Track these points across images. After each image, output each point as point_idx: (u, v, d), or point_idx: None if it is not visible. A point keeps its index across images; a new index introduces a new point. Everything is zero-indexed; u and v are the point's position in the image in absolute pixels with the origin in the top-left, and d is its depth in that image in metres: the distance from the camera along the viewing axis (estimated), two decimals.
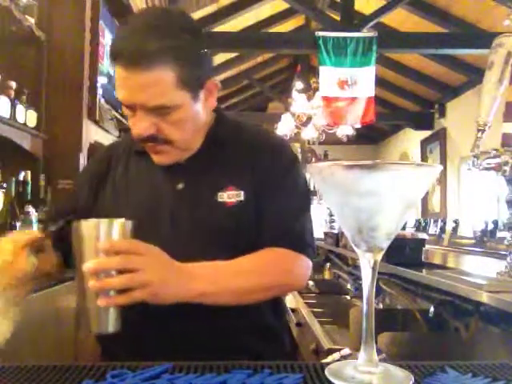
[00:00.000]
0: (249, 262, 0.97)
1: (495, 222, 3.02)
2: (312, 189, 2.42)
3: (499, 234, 2.86)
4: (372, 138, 9.86)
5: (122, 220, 0.79)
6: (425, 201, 7.31)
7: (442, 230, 3.89)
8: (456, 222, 3.84)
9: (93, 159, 1.22)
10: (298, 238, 1.04)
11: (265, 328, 1.07)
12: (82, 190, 1.12)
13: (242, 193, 1.02)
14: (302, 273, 1.04)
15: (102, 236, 0.76)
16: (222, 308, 0.92)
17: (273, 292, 1.01)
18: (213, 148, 1.07)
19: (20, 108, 2.30)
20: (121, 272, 0.77)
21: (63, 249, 1.04)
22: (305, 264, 1.04)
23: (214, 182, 1.04)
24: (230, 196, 1.02)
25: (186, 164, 1.06)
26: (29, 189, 2.26)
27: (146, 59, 0.89)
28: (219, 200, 1.02)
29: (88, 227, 0.76)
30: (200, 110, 1.00)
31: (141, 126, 0.95)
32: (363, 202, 0.59)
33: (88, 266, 0.74)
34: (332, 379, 0.60)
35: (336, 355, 1.50)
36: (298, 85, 6.20)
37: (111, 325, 0.78)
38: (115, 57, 0.92)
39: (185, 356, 0.72)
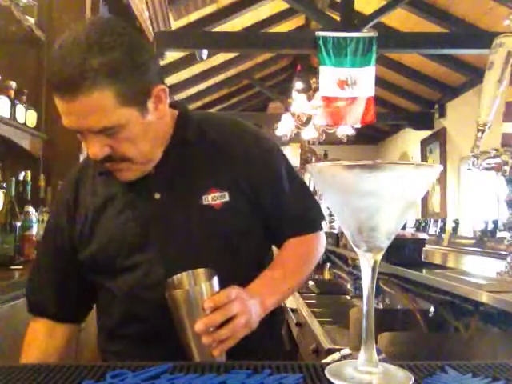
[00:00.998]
0: (289, 262, 1.08)
1: (495, 222, 3.02)
2: (312, 189, 2.42)
3: (499, 234, 2.86)
4: (372, 137, 9.86)
5: (209, 272, 0.92)
6: (425, 201, 7.31)
7: (442, 230, 3.89)
8: (456, 222, 3.84)
9: (61, 189, 1.18)
10: (309, 221, 1.13)
11: (264, 326, 1.07)
12: (62, 225, 1.09)
13: (226, 193, 1.01)
14: (323, 246, 1.16)
15: (205, 294, 0.87)
16: None
17: (314, 265, 1.15)
18: (181, 151, 1.03)
19: (20, 108, 2.30)
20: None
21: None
22: (322, 237, 1.16)
23: (195, 186, 1.01)
24: (215, 198, 1.00)
25: (157, 172, 1.02)
26: (29, 189, 2.26)
27: (78, 86, 0.84)
28: (205, 203, 1.00)
29: (186, 293, 0.87)
30: (152, 119, 0.94)
31: (94, 149, 0.92)
32: (363, 202, 0.59)
33: (199, 327, 0.83)
34: (332, 379, 0.60)
35: (336, 355, 1.50)
36: (298, 85, 6.19)
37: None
38: (51, 85, 0.88)
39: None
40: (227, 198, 1.00)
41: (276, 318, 1.13)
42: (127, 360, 0.85)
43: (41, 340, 1.08)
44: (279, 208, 1.07)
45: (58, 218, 1.10)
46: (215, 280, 0.89)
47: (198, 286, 0.88)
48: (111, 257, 1.02)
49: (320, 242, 1.15)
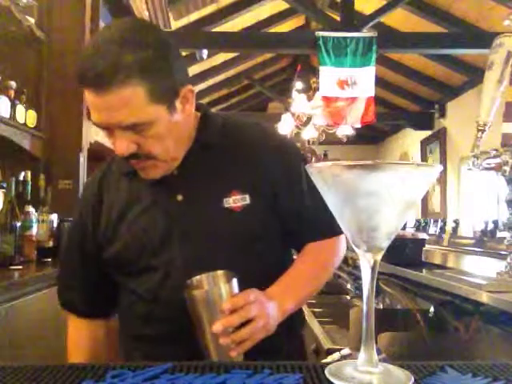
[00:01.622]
0: (309, 268, 1.08)
1: (495, 222, 3.02)
2: None
3: (499, 234, 2.86)
4: (372, 137, 9.86)
5: (228, 274, 0.93)
6: (425, 201, 7.31)
7: (442, 229, 3.90)
8: (456, 222, 3.85)
9: (85, 189, 1.19)
10: (329, 225, 1.07)
11: (282, 326, 1.06)
12: (84, 229, 1.11)
13: (247, 196, 1.01)
14: (343, 250, 1.17)
15: (224, 296, 0.88)
16: None
17: (333, 269, 1.17)
18: (202, 153, 1.04)
19: (20, 108, 2.30)
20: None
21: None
22: (341, 241, 1.15)
23: (217, 188, 1.02)
24: (236, 201, 1.01)
25: (179, 174, 1.03)
26: (29, 189, 2.26)
27: (112, 80, 0.86)
28: (226, 206, 1.01)
29: (205, 294, 0.88)
30: (178, 119, 0.96)
31: (121, 145, 0.93)
32: (363, 202, 0.59)
33: (217, 328, 0.84)
34: (332, 379, 0.60)
35: (336, 355, 1.50)
36: (298, 85, 6.19)
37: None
38: (81, 81, 0.90)
39: (188, 356, 0.73)
40: (248, 201, 1.01)
41: (295, 318, 1.11)
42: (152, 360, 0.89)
43: (85, 343, 1.13)
44: (299, 213, 1.08)
45: (83, 217, 1.11)
46: (234, 282, 0.90)
47: (217, 288, 0.89)
48: (133, 256, 1.03)
49: (340, 247, 1.15)
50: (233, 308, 0.86)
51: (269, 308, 0.92)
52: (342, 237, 1.14)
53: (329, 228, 1.08)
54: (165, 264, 1.01)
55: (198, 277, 0.94)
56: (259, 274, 1.00)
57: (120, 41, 0.87)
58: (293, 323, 1.09)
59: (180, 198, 1.02)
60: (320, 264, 1.12)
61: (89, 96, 0.90)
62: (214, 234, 1.01)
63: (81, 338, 1.14)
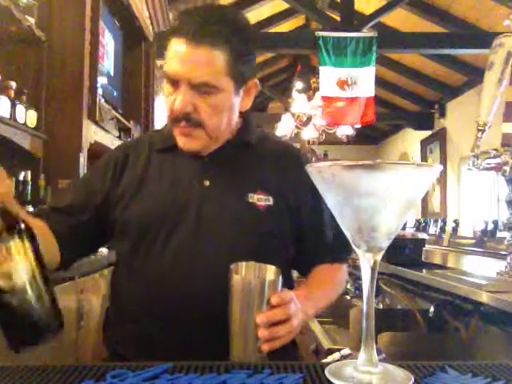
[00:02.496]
0: (328, 284, 1.13)
1: (495, 222, 3.02)
2: None
3: (499, 234, 2.87)
4: (372, 137, 9.86)
5: (275, 270, 0.91)
6: (425, 201, 7.31)
7: (442, 229, 3.90)
8: (456, 222, 3.85)
9: (112, 151, 1.20)
10: (340, 252, 1.16)
11: None
12: (103, 175, 1.10)
13: (271, 198, 1.05)
14: (346, 279, 1.22)
15: (266, 289, 0.85)
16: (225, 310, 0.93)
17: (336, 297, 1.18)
18: (238, 150, 1.09)
19: (20, 108, 2.29)
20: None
21: (72, 246, 1.06)
22: (346, 272, 1.21)
23: (243, 183, 1.06)
24: (260, 199, 1.05)
25: (210, 161, 1.07)
26: (29, 189, 2.26)
27: (208, 38, 0.94)
28: (250, 201, 1.04)
29: (248, 283, 0.85)
30: (236, 104, 1.04)
31: (182, 101, 0.97)
32: (363, 202, 0.59)
33: (262, 319, 0.83)
34: (332, 379, 0.60)
35: (336, 355, 1.49)
36: (298, 85, 6.19)
37: (254, 357, 0.86)
38: (178, 30, 0.96)
39: (186, 356, 0.72)
40: (271, 202, 1.05)
41: None
42: (132, 359, 0.89)
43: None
44: (316, 229, 1.12)
45: (101, 169, 1.12)
46: (279, 279, 0.89)
47: (262, 279, 0.87)
48: (146, 226, 1.03)
49: (345, 275, 1.20)
50: (281, 302, 0.85)
51: (301, 312, 0.93)
52: (345, 266, 1.20)
53: (340, 254, 1.16)
54: (174, 246, 1.00)
55: (244, 263, 0.91)
56: None
57: (224, 13, 1.01)
58: None
59: (207, 183, 1.05)
60: (335, 283, 1.16)
61: (179, 46, 0.96)
62: (233, 223, 1.03)
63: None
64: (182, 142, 1.04)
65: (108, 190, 1.09)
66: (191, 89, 0.96)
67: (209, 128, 1.01)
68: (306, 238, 1.12)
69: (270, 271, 0.91)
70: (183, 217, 1.02)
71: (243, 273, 0.90)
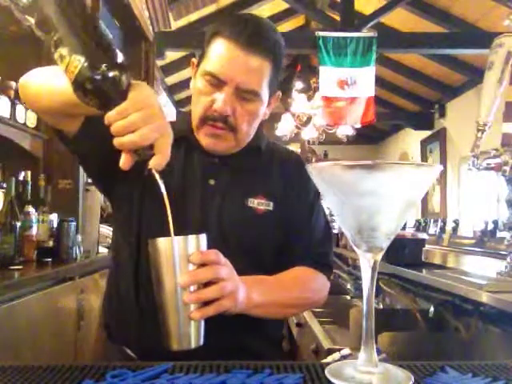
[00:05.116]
0: (290, 279, 1.05)
1: (495, 222, 3.02)
2: None
3: (499, 234, 2.86)
4: (372, 137, 9.85)
5: (201, 235, 0.79)
6: (425, 201, 7.30)
7: (442, 229, 3.89)
8: (456, 222, 3.84)
9: None
10: (325, 260, 1.14)
11: (265, 328, 1.07)
12: None
13: (272, 203, 1.06)
14: (326, 293, 1.13)
15: (190, 249, 0.76)
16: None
17: (305, 308, 1.16)
18: (247, 155, 1.10)
19: (20, 108, 2.29)
20: (205, 284, 0.77)
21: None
22: (328, 285, 1.14)
23: (246, 187, 1.07)
24: (260, 204, 1.06)
25: (220, 163, 1.08)
26: (29, 189, 2.26)
27: (261, 47, 0.98)
28: (249, 205, 1.05)
29: (174, 243, 0.75)
30: (263, 113, 1.07)
31: (225, 103, 0.98)
32: (363, 202, 0.59)
33: (184, 279, 0.74)
34: (332, 379, 0.60)
35: (336, 355, 1.49)
36: (298, 85, 6.19)
37: (193, 341, 0.77)
38: (231, 33, 0.97)
39: (186, 356, 0.72)
40: (271, 208, 1.06)
41: (276, 333, 1.15)
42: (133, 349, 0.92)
43: None
44: (306, 233, 1.12)
45: None
46: (203, 237, 0.78)
47: (183, 237, 0.76)
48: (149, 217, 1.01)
49: (326, 287, 1.12)
50: (203, 261, 0.76)
51: (239, 282, 0.85)
52: (328, 283, 1.13)
53: (323, 262, 1.12)
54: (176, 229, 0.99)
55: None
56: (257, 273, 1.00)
57: (271, 26, 1.07)
58: (273, 337, 1.13)
59: (212, 182, 1.06)
60: (303, 284, 1.07)
61: (232, 50, 0.97)
62: (227, 224, 1.03)
63: None
64: (208, 141, 1.04)
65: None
66: (234, 93, 0.98)
67: (240, 133, 1.03)
68: (294, 241, 1.10)
69: (193, 236, 0.79)
70: (186, 207, 1.02)
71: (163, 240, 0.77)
